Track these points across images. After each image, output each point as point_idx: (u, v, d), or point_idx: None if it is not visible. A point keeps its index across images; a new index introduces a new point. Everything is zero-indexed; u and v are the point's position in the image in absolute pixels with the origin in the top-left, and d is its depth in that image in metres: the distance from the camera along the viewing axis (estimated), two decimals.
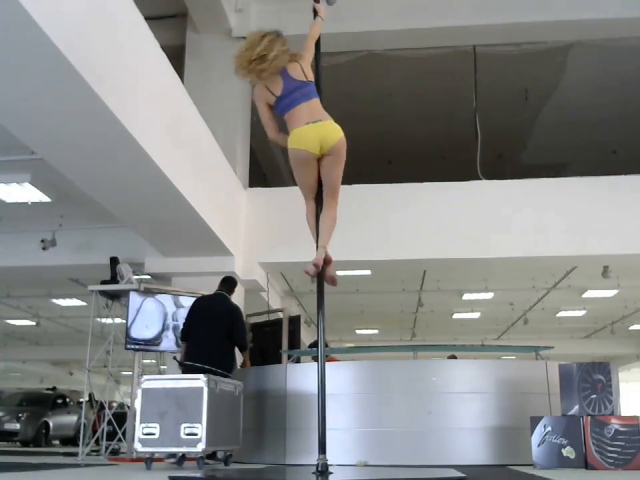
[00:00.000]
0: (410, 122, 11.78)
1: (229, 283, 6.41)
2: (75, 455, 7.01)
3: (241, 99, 9.28)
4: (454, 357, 8.75)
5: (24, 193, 8.42)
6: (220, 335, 5.84)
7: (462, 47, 9.50)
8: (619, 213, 8.60)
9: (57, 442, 14.16)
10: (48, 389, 15.77)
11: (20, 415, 12.81)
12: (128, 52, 5.37)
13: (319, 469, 3.58)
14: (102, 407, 7.76)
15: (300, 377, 6.01)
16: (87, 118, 5.02)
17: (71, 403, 14.62)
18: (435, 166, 11.32)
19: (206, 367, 5.51)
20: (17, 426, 12.60)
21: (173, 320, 7.55)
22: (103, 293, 7.48)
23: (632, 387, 23.46)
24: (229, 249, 8.27)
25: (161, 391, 5.04)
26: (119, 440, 7.36)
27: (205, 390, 4.96)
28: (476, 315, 17.76)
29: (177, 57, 8.14)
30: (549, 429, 5.14)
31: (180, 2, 8.73)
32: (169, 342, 7.47)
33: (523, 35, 9.29)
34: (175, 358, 6.64)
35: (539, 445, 5.13)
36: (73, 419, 14.05)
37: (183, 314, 7.61)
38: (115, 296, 7.51)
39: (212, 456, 5.63)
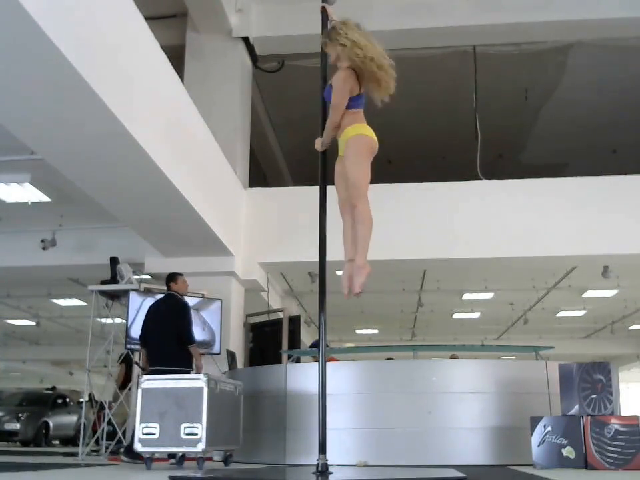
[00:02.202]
0: (410, 122, 11.77)
1: (170, 278, 6.33)
2: (75, 454, 7.02)
3: (240, 98, 9.28)
4: (455, 357, 8.76)
5: (24, 192, 8.42)
6: (171, 333, 5.90)
7: (462, 47, 9.50)
8: (619, 213, 8.60)
9: (57, 442, 14.15)
10: (48, 389, 15.76)
11: (20, 414, 12.81)
12: (128, 52, 5.38)
13: (319, 468, 3.58)
14: (102, 406, 7.76)
15: (300, 377, 6.01)
16: (86, 118, 5.02)
17: (71, 403, 14.61)
18: (435, 166, 11.32)
19: (167, 368, 5.61)
20: (17, 426, 12.59)
21: None
22: (102, 292, 7.49)
23: (632, 387, 23.47)
24: (229, 249, 8.27)
25: (161, 390, 5.04)
26: (119, 440, 7.36)
27: (205, 390, 4.96)
28: (476, 314, 17.75)
29: (177, 57, 8.13)
30: (549, 429, 5.13)
31: (180, 2, 8.72)
32: None
33: (522, 35, 9.29)
34: (136, 363, 6.72)
35: (539, 445, 5.13)
36: (72, 419, 14.04)
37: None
38: (115, 296, 7.52)
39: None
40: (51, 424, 13.26)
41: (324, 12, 4.43)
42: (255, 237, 8.89)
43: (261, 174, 12.34)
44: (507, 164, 12.32)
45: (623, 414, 5.25)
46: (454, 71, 10.15)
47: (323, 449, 3.63)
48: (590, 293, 14.63)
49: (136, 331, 7.11)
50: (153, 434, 4.94)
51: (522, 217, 8.69)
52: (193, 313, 7.68)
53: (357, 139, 3.93)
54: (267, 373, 6.47)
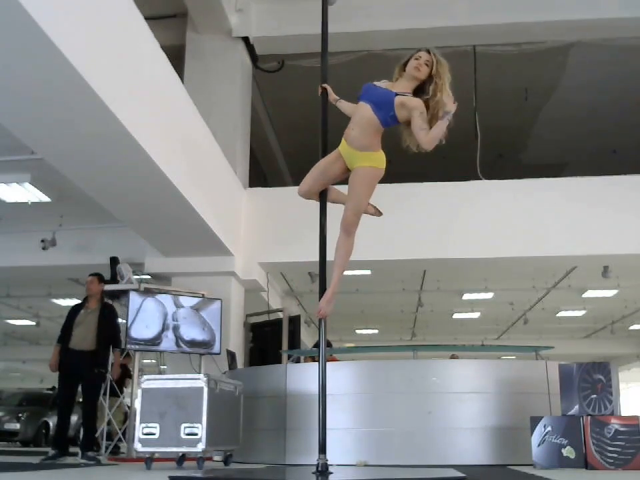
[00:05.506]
0: None
1: None
2: (75, 454, 7.01)
3: (240, 98, 9.28)
4: (455, 357, 8.75)
5: (24, 192, 8.42)
6: None
7: (462, 47, 9.48)
8: (619, 213, 8.60)
9: None
10: (48, 389, 15.75)
11: (20, 414, 12.79)
12: (128, 52, 5.38)
13: (319, 468, 3.57)
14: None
15: (300, 377, 6.00)
16: (86, 118, 5.03)
17: None
18: (435, 165, 11.30)
19: None
20: (17, 426, 12.57)
21: (173, 320, 7.55)
22: (102, 292, 7.46)
23: (632, 387, 23.46)
24: (229, 249, 8.27)
25: (161, 390, 5.04)
26: (119, 440, 7.36)
27: (205, 390, 4.96)
28: (476, 315, 17.76)
29: (177, 56, 8.13)
30: (549, 429, 5.13)
31: (180, 2, 8.72)
32: (168, 342, 7.47)
33: (522, 35, 9.29)
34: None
35: (539, 445, 5.13)
36: (73, 419, 14.01)
37: (183, 314, 7.63)
38: (114, 296, 7.50)
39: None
40: (50, 424, 13.24)
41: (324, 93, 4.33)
42: (255, 237, 8.88)
43: (261, 174, 12.34)
44: (507, 164, 12.31)
45: (623, 414, 5.25)
46: (454, 70, 10.12)
47: (323, 449, 3.63)
48: (590, 293, 14.64)
49: (136, 331, 7.13)
50: (153, 434, 4.94)
51: (522, 216, 8.69)
52: (192, 312, 7.73)
53: (376, 172, 4.05)
54: (267, 373, 6.47)
